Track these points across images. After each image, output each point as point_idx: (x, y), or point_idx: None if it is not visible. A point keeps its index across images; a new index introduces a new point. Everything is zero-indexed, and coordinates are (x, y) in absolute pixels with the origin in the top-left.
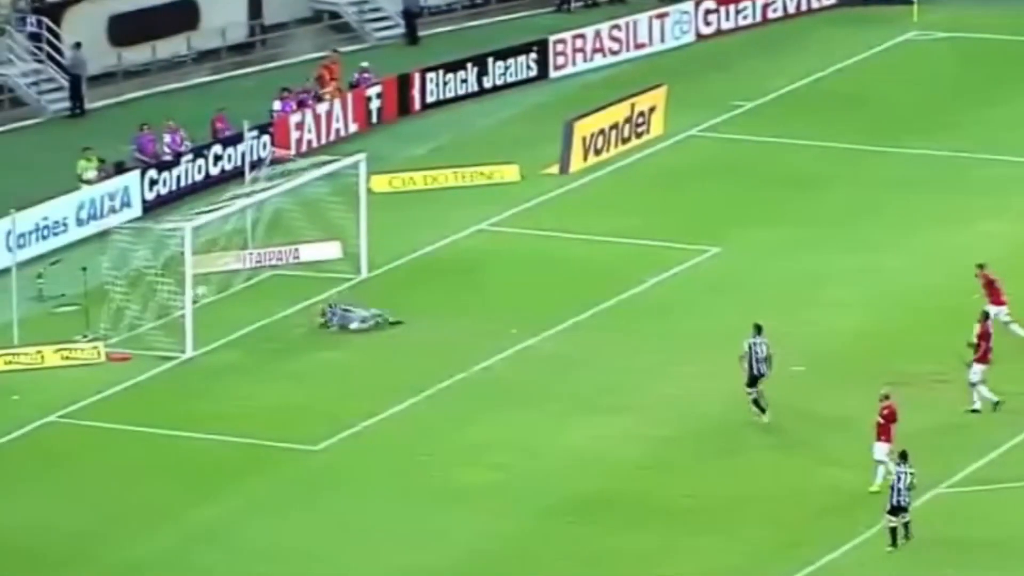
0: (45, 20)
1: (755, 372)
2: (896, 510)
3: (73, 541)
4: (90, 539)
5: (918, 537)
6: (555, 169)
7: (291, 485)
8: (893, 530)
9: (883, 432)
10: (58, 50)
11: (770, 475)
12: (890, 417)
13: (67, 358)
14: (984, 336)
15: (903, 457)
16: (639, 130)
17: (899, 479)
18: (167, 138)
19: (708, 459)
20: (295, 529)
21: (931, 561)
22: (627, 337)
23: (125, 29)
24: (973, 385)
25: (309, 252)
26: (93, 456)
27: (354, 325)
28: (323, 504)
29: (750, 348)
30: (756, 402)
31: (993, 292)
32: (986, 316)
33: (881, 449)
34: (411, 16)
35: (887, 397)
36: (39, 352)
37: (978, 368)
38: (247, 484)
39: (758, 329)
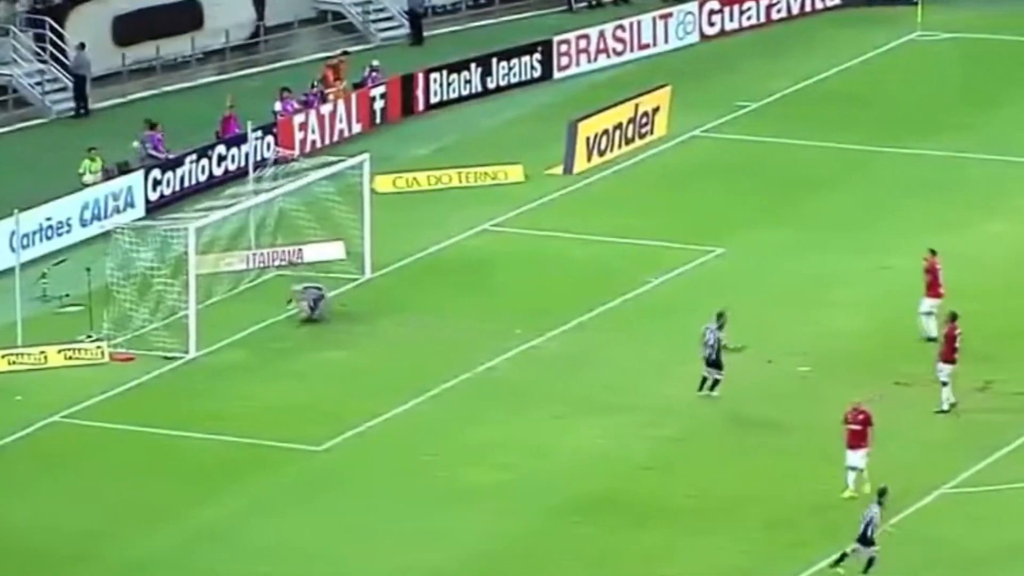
0: (49, 20)
1: (702, 354)
2: (866, 541)
3: (76, 541)
4: (93, 539)
5: (919, 537)
6: (559, 169)
7: (295, 485)
8: (844, 555)
9: (859, 437)
10: (62, 50)
11: (773, 475)
12: (866, 422)
13: (71, 358)
14: (950, 337)
15: (880, 495)
16: (643, 131)
17: (869, 511)
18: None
19: (711, 459)
20: (299, 529)
21: (932, 561)
22: (631, 337)
23: (129, 29)
24: (944, 384)
25: (313, 252)
26: (96, 456)
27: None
28: (327, 504)
29: (704, 332)
30: (704, 380)
31: (933, 283)
32: (953, 317)
33: (855, 456)
34: (415, 16)
35: (860, 404)
36: (43, 352)
37: (945, 367)
38: (251, 484)
39: (717, 316)
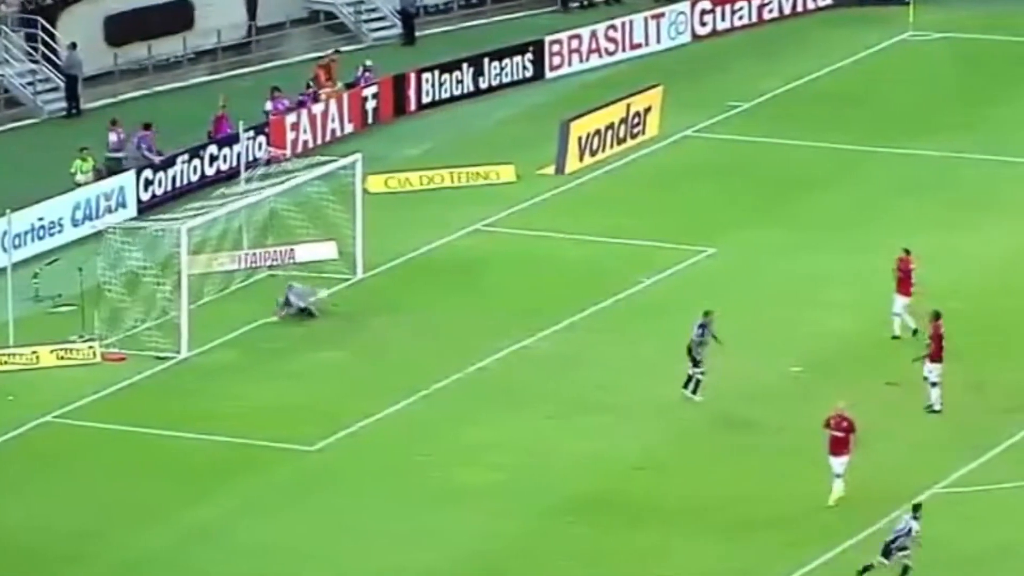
0: (40, 20)
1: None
2: (887, 553)
3: (69, 541)
4: (86, 539)
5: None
6: (551, 169)
7: (287, 485)
8: (868, 566)
9: (841, 444)
10: (54, 50)
11: (767, 475)
12: (849, 429)
13: (63, 358)
14: (936, 336)
15: (915, 509)
16: (635, 130)
17: (904, 523)
18: (113, 136)
19: (705, 459)
20: (291, 529)
21: (925, 561)
22: (623, 337)
23: (121, 29)
24: (935, 385)
25: (305, 252)
26: (89, 456)
27: (312, 299)
28: (319, 504)
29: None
30: (689, 379)
31: (904, 281)
32: (937, 316)
33: (838, 462)
34: (408, 16)
35: (843, 411)
36: (35, 352)
37: (934, 367)
38: (243, 484)
39: (704, 314)
